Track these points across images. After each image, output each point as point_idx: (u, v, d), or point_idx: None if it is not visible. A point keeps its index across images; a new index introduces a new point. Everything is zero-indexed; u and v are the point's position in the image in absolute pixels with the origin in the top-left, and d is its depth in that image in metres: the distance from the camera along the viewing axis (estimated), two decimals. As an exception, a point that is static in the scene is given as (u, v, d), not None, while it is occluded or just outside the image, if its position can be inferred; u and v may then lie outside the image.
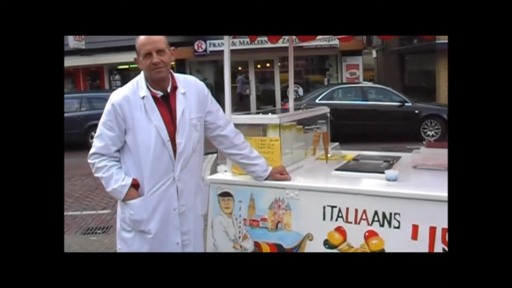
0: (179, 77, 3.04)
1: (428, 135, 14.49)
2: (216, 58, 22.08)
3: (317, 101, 14.85)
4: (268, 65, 23.89)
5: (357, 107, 14.86)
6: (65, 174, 10.72)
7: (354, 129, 14.20)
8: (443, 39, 21.84)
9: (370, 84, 17.53)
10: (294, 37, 4.67)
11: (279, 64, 23.02)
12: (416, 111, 14.59)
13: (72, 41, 19.81)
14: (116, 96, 2.89)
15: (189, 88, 3.03)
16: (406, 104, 14.65)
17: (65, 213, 7.80)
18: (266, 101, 22.74)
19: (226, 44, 3.53)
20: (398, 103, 14.61)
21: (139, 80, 2.94)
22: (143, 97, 2.87)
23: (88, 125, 15.41)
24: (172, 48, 2.96)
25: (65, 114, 15.16)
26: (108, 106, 2.90)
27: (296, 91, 21.78)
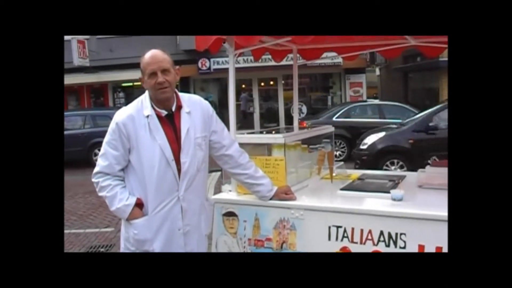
0: (183, 96, 3.03)
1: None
2: (219, 76, 22.18)
3: (334, 119, 14.90)
4: (271, 83, 23.94)
5: (374, 125, 14.77)
6: (69, 192, 10.85)
7: None
8: (446, 57, 21.83)
9: (387, 102, 17.40)
10: (298, 55, 4.68)
11: (283, 82, 23.09)
12: None
13: (76, 59, 19.91)
14: (121, 115, 2.89)
15: (194, 107, 3.02)
16: None
17: (68, 231, 7.82)
18: (269, 119, 22.78)
19: (231, 62, 3.53)
20: None
21: (144, 99, 2.93)
22: (147, 116, 2.86)
23: (91, 143, 15.45)
24: (177, 67, 2.96)
25: (69, 131, 15.34)
26: (112, 125, 2.89)
27: (300, 109, 21.85)
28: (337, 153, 14.29)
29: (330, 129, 4.49)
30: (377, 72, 33.85)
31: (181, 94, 3.02)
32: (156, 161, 2.83)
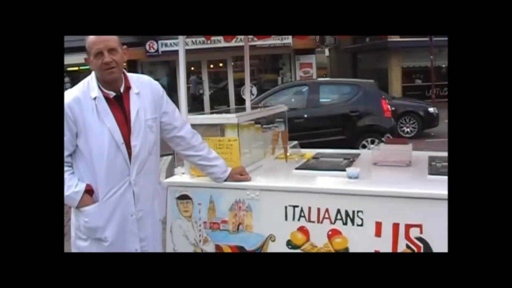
0: (132, 77, 2.91)
1: (405, 132, 14.59)
2: (168, 59, 21.86)
3: None
4: (221, 65, 23.80)
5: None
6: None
7: None
8: (395, 38, 22.22)
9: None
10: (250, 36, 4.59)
11: (232, 63, 22.95)
12: (393, 108, 14.64)
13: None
14: (66, 98, 2.74)
15: (144, 88, 2.91)
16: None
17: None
18: (219, 102, 22.62)
19: (181, 44, 3.42)
20: None
21: (90, 81, 2.80)
22: (94, 98, 2.73)
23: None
24: (125, 47, 2.83)
25: None
26: None
27: (250, 91, 21.79)
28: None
29: (283, 108, 4.44)
30: (327, 53, 34.14)
31: (129, 75, 2.90)
32: (106, 145, 2.71)
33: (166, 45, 21.23)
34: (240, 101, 21.91)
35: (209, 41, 19.15)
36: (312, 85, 11.85)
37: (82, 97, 2.73)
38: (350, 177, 3.23)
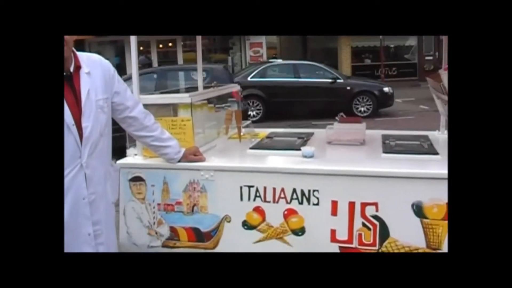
0: (82, 56, 2.80)
1: (360, 111, 14.75)
2: (116, 38, 21.43)
3: (249, 79, 14.83)
4: (170, 44, 23.46)
5: (290, 85, 14.89)
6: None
7: (286, 107, 14.32)
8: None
9: (303, 61, 17.41)
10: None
11: (182, 43, 22.66)
12: (348, 88, 14.80)
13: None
14: None
15: (94, 67, 2.80)
16: (338, 80, 14.86)
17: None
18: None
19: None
20: (330, 80, 14.78)
21: None
22: None
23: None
24: None
25: None
26: None
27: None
28: (253, 113, 14.26)
29: (236, 87, 4.39)
30: (276, 32, 34.04)
31: (79, 54, 2.78)
32: None
33: (114, 24, 20.81)
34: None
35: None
36: (160, 72, 12.25)
37: None
38: (305, 156, 3.22)
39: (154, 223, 3.31)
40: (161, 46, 23.46)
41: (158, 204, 3.29)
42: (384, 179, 2.86)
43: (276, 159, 3.36)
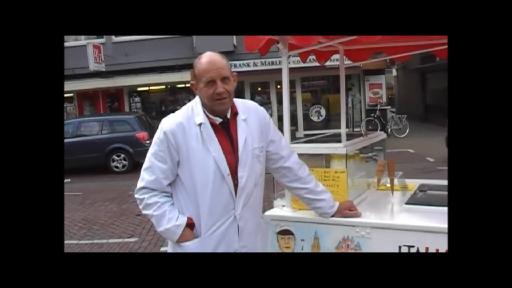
0: (238, 102, 2.69)
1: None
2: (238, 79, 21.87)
3: None
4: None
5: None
6: (88, 199, 10.62)
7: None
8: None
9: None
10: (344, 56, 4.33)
11: (301, 84, 22.76)
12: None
13: (92, 64, 19.99)
14: (169, 123, 2.55)
15: (250, 114, 2.68)
16: None
17: (91, 241, 7.58)
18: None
19: (284, 63, 3.17)
20: None
21: (195, 106, 2.60)
22: (199, 124, 2.52)
23: (109, 149, 15.19)
24: (234, 72, 2.61)
25: (87, 137, 15.42)
26: (159, 135, 2.55)
27: (318, 112, 21.52)
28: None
29: (383, 136, 4.12)
30: (394, 73, 33.51)
31: (235, 100, 2.67)
32: (210, 175, 2.50)
33: (235, 65, 21.24)
34: (307, 121, 21.73)
35: (271, 63, 19.15)
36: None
37: (186, 123, 2.53)
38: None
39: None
40: (279, 87, 23.72)
41: (307, 260, 3.06)
42: None
43: (439, 217, 3.03)
